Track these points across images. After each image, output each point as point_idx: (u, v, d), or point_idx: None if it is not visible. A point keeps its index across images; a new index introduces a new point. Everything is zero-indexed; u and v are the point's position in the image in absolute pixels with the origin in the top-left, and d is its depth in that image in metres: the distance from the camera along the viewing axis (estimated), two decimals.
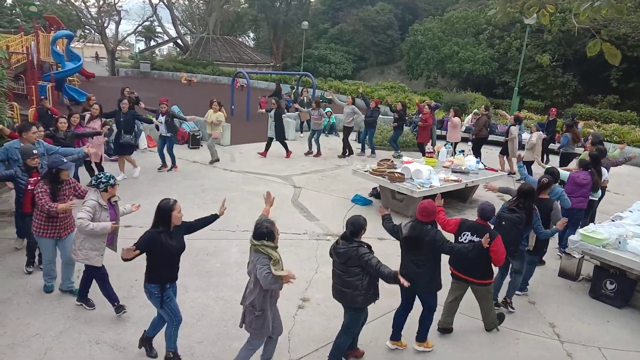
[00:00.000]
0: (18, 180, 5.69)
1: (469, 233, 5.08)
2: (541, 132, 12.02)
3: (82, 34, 51.99)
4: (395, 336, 5.04)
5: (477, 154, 12.56)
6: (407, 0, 43.21)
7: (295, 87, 21.02)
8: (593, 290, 6.48)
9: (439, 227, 5.05)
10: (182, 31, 46.19)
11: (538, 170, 12.55)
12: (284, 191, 10.00)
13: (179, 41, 45.43)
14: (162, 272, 4.35)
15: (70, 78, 20.49)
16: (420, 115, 13.74)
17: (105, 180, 4.93)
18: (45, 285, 5.61)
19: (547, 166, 7.60)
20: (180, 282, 5.98)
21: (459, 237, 5.14)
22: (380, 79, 35.87)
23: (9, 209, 7.58)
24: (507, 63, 29.57)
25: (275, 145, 12.84)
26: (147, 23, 51.90)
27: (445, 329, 5.34)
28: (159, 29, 53.73)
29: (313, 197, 9.80)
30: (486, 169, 10.32)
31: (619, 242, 6.20)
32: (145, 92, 19.74)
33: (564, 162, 11.75)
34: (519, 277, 5.93)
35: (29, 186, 5.45)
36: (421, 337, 5.01)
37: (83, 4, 42.07)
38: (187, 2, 49.16)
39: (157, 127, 10.99)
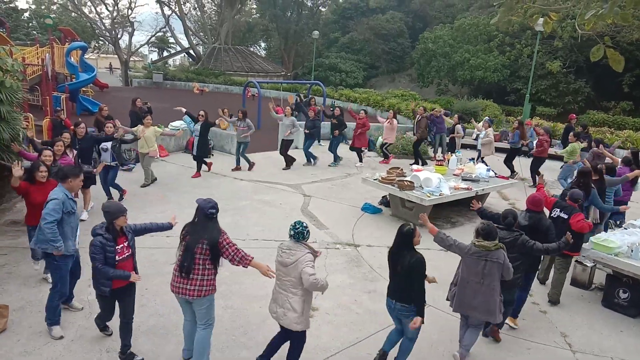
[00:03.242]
0: (107, 255, 4.39)
1: (558, 210, 6.26)
2: (492, 129, 13.21)
3: (96, 45, 53.00)
4: (515, 314, 5.76)
5: (416, 154, 13.60)
6: (418, 8, 43.36)
7: (307, 95, 21.10)
8: (606, 300, 6.40)
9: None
10: (194, 41, 46.74)
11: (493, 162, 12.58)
12: (293, 200, 10.03)
13: (191, 51, 45.98)
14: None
15: (84, 89, 20.82)
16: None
17: (307, 230, 4.48)
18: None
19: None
20: None
21: (551, 212, 6.27)
22: (391, 87, 35.90)
23: (22, 218, 7.68)
24: (519, 70, 29.44)
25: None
26: (159, 34, 52.72)
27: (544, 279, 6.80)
28: (171, 40, 54.52)
29: (323, 205, 9.81)
30: (497, 176, 10.26)
31: (632, 251, 6.13)
32: (157, 102, 19.99)
33: (511, 157, 12.85)
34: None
35: (117, 257, 4.44)
36: (516, 314, 5.78)
37: (97, 16, 42.87)
38: (199, 13, 49.88)
39: (99, 154, 8.78)
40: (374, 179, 9.43)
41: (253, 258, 4.46)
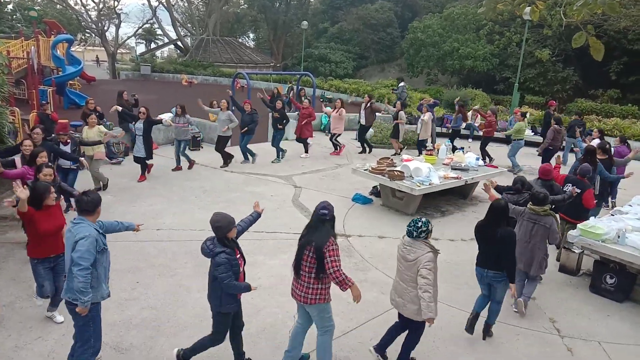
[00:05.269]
0: (234, 270, 4.17)
1: (570, 184, 7.03)
2: (431, 113, 13.62)
3: (83, 37, 52.34)
4: None
5: (362, 140, 14.06)
6: None
7: (296, 86, 21.04)
8: (593, 285, 6.49)
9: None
10: (182, 33, 46.27)
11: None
12: (284, 191, 10.03)
13: (179, 43, 45.55)
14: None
15: (71, 82, 20.57)
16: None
17: (426, 228, 4.33)
18: None
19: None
20: (182, 283, 6.07)
21: (564, 187, 7.04)
22: (381, 77, 35.87)
23: (10, 213, 7.62)
24: (507, 59, 29.52)
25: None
26: (147, 26, 52.14)
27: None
28: (159, 32, 53.97)
29: (314, 196, 9.81)
30: (486, 165, 10.33)
31: (618, 237, 6.21)
32: (145, 95, 19.83)
33: (453, 137, 13.95)
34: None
35: (241, 268, 4.30)
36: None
37: (83, 8, 42.23)
38: (186, 4, 49.34)
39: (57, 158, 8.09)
40: (364, 170, 9.46)
41: (354, 283, 4.19)
